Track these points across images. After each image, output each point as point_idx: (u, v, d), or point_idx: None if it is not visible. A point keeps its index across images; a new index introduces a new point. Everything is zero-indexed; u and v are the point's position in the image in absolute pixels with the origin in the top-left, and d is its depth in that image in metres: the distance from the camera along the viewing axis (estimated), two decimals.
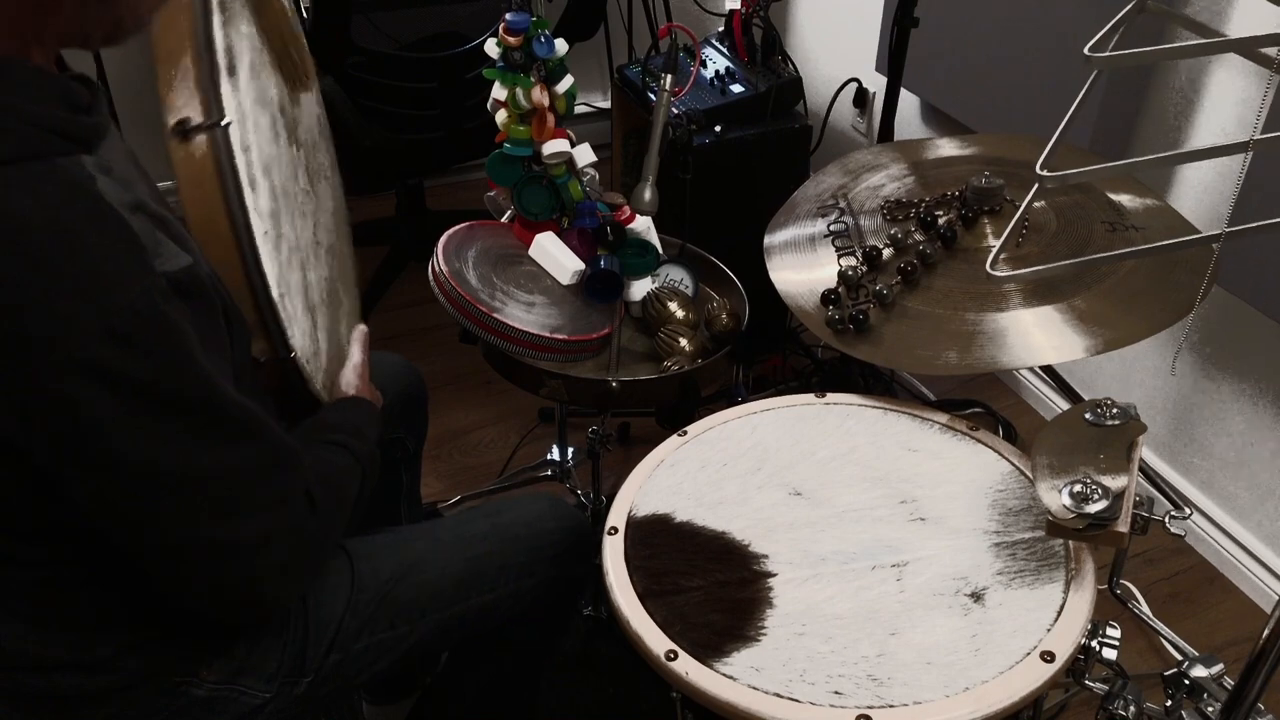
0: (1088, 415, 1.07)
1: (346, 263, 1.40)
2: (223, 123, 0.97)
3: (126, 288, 0.75)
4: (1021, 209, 0.97)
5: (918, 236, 1.32)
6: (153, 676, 0.97)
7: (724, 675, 0.92)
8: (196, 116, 0.96)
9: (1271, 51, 0.89)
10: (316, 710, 1.09)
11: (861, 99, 2.54)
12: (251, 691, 1.01)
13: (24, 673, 0.93)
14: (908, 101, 2.30)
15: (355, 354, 1.24)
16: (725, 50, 2.24)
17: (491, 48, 1.42)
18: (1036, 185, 0.87)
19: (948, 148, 1.53)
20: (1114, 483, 0.99)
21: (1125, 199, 1.36)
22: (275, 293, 1.01)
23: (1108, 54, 0.84)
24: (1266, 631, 0.95)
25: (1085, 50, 0.83)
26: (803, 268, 1.35)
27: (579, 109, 2.65)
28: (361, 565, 1.12)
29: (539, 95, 1.41)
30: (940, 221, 1.32)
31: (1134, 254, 1.10)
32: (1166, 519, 1.08)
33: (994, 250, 1.04)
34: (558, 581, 1.23)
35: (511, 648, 1.31)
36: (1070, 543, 1.03)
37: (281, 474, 0.90)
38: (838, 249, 1.36)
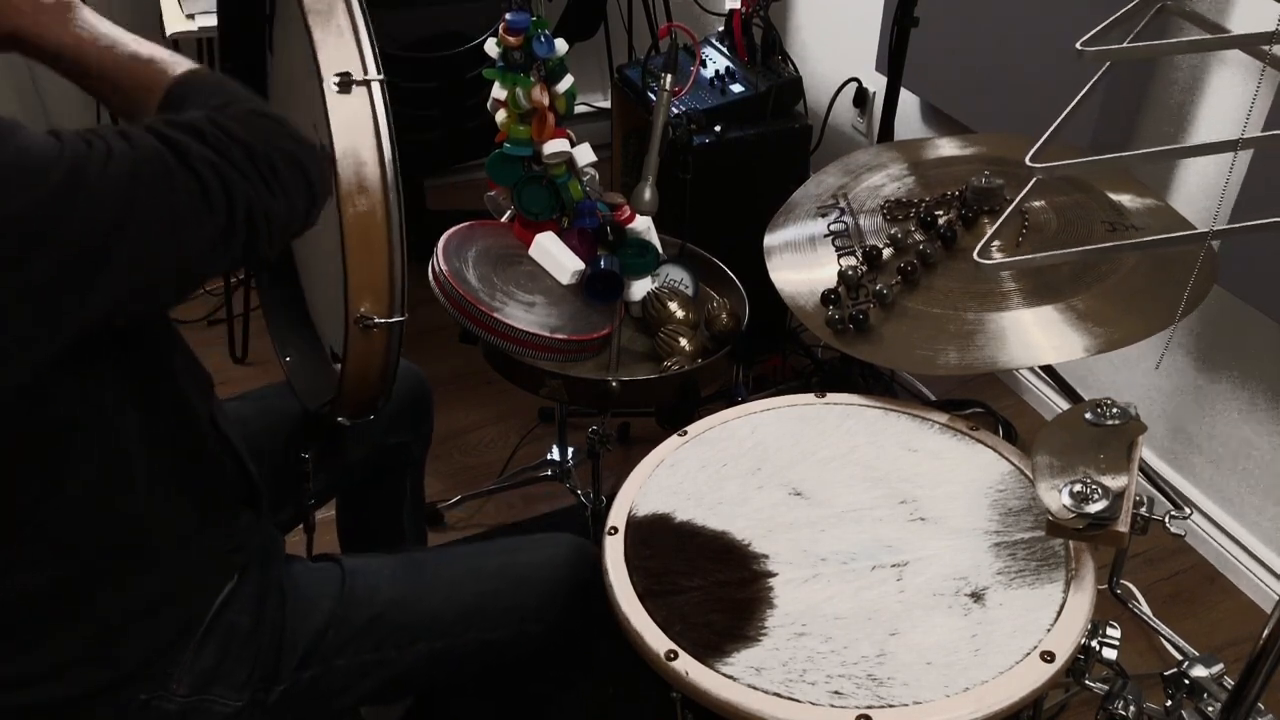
0: (1088, 415, 1.07)
1: None
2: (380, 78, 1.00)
3: None
4: (1016, 201, 0.97)
5: (918, 236, 1.32)
6: (120, 689, 0.95)
7: (724, 675, 0.92)
8: (357, 72, 0.99)
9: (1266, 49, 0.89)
10: None
11: (861, 99, 2.54)
12: (223, 701, 1.00)
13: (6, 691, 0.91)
14: (908, 101, 2.30)
15: None
16: (725, 50, 2.24)
17: (491, 48, 1.42)
18: (1034, 178, 0.87)
19: (948, 148, 1.53)
20: (1114, 483, 0.99)
21: (1126, 199, 1.36)
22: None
23: (1098, 48, 0.84)
24: (1266, 631, 0.95)
25: (1078, 44, 0.82)
26: (803, 268, 1.35)
27: (579, 109, 2.64)
28: (355, 580, 1.10)
29: (539, 95, 1.41)
30: (940, 221, 1.32)
31: (1120, 248, 1.10)
32: (1166, 519, 1.08)
33: (984, 238, 1.04)
34: (569, 633, 1.18)
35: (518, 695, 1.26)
36: (1070, 543, 1.03)
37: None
38: (838, 249, 1.36)
